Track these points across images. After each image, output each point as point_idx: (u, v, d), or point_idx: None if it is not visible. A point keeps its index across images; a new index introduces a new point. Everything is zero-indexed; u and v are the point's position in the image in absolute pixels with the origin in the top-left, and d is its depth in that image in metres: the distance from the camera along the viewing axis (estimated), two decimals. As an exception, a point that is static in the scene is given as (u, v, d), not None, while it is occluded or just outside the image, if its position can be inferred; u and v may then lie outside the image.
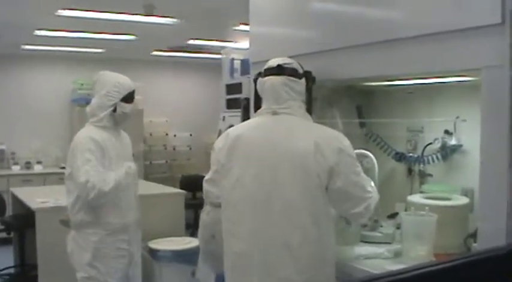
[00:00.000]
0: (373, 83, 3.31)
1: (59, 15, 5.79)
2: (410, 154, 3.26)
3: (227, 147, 2.43)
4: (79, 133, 3.46)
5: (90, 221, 3.38)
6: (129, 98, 3.53)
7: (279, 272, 2.26)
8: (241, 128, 2.54)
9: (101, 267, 3.38)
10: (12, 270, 6.22)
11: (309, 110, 2.55)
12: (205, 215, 2.75)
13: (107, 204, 3.37)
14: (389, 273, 1.05)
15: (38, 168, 8.61)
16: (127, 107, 3.52)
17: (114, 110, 3.48)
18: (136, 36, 7.31)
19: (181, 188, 6.79)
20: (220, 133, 3.02)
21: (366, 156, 2.93)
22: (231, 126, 2.96)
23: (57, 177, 7.19)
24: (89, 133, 3.41)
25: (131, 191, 3.57)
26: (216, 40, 7.58)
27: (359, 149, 2.86)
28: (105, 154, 3.38)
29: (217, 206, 2.54)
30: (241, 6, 3.83)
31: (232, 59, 5.51)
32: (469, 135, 2.83)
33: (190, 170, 9.19)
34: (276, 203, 2.28)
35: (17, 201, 5.73)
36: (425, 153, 3.15)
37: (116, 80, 3.51)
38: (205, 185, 2.65)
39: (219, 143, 2.52)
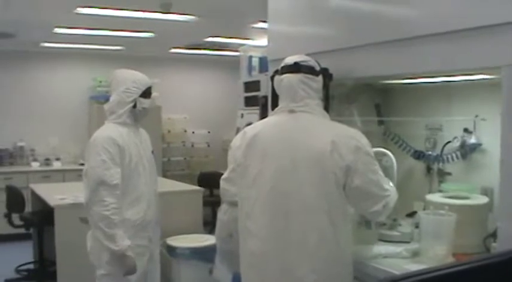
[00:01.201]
0: (392, 81, 3.28)
1: (77, 13, 5.83)
2: (429, 152, 3.22)
3: (244, 146, 2.43)
4: (98, 132, 3.48)
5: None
6: (147, 93, 3.58)
7: (295, 271, 2.25)
8: (258, 126, 2.53)
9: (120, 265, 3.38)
10: (31, 266, 6.28)
11: (326, 108, 2.53)
12: (222, 214, 2.75)
13: (126, 201, 3.39)
14: (400, 276, 1.04)
15: (57, 165, 8.66)
16: (146, 102, 3.57)
17: (134, 106, 3.52)
18: (154, 33, 7.32)
19: (199, 185, 6.81)
20: (238, 130, 3.02)
21: (385, 154, 2.91)
22: (249, 123, 2.96)
23: (76, 174, 7.24)
24: (107, 132, 3.43)
25: (151, 188, 3.59)
26: (234, 37, 7.58)
27: (377, 147, 2.84)
28: (125, 151, 3.40)
29: (235, 204, 2.53)
30: (259, 4, 3.82)
31: (250, 57, 5.48)
32: (489, 134, 2.80)
33: (208, 167, 9.22)
34: (293, 201, 2.27)
35: (36, 197, 5.78)
36: (444, 152, 3.12)
37: (134, 77, 3.55)
38: (222, 184, 2.65)
39: (236, 141, 2.52)
